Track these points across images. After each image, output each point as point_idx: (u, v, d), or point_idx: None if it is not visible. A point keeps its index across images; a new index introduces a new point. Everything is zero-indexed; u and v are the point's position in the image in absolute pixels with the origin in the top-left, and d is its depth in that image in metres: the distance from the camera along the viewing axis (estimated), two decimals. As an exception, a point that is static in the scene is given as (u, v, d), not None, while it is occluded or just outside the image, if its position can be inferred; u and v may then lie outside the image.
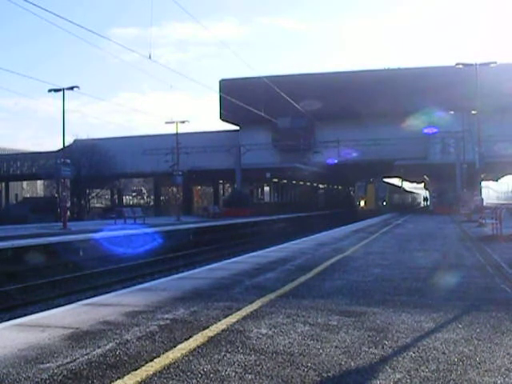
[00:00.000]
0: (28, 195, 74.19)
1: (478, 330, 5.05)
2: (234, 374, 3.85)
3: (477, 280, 8.28)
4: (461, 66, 31.80)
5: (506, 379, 3.69)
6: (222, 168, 48.88)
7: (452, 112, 42.54)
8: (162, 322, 5.43)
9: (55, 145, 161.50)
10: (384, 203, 54.03)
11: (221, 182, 61.98)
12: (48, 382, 3.71)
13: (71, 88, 28.61)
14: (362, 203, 53.79)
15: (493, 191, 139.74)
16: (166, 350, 4.42)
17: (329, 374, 3.82)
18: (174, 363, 4.09)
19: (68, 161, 28.68)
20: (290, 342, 4.67)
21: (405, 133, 45.73)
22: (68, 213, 35.74)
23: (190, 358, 4.23)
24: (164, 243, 22.27)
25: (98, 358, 4.22)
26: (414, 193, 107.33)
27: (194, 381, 3.72)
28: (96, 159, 51.70)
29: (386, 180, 64.47)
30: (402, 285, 7.85)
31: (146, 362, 4.11)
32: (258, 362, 4.11)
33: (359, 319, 5.55)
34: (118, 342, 4.69)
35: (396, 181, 77.66)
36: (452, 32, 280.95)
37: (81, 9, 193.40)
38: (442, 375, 3.78)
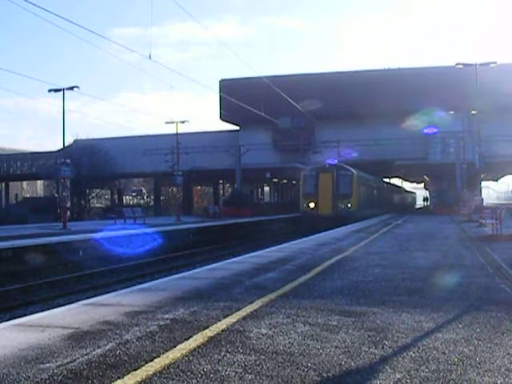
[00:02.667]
0: (28, 195, 74.24)
1: (478, 330, 5.05)
2: (233, 374, 3.85)
3: (477, 280, 8.28)
4: (461, 66, 31.85)
5: (506, 379, 3.69)
6: (222, 168, 48.90)
7: (452, 112, 42.55)
8: (161, 322, 5.43)
9: (55, 145, 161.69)
10: (349, 205, 32.67)
11: (221, 182, 61.99)
12: (48, 381, 3.70)
13: (71, 88, 28.66)
14: (312, 205, 32.88)
15: (493, 191, 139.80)
16: (166, 350, 4.42)
17: (329, 374, 3.82)
18: (174, 363, 4.09)
19: (68, 161, 28.71)
20: (290, 342, 4.67)
21: (405, 133, 45.76)
22: (68, 213, 35.77)
23: (190, 357, 4.23)
24: (164, 243, 22.27)
25: (98, 358, 4.22)
26: (408, 191, 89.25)
27: (194, 381, 3.72)
28: (96, 159, 51.74)
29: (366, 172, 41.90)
30: (402, 285, 7.85)
31: (146, 362, 4.10)
32: (257, 362, 4.11)
33: (359, 319, 5.55)
34: (118, 341, 4.69)
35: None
36: (452, 32, 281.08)
37: (81, 9, 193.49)
38: (442, 375, 3.78)
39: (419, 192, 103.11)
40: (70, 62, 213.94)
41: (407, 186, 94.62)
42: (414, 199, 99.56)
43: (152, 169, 52.42)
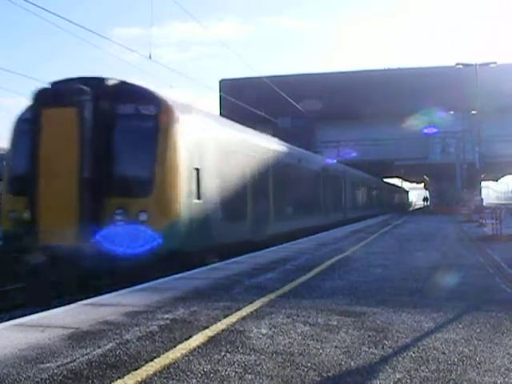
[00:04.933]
0: (28, 195, 74.06)
1: (478, 330, 5.05)
2: (234, 374, 3.85)
3: (477, 280, 8.29)
4: (461, 66, 31.84)
5: (506, 379, 3.69)
6: (222, 168, 48.65)
7: (452, 112, 42.52)
8: (161, 322, 5.43)
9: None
10: (146, 217, 9.17)
11: (221, 181, 61.82)
12: (48, 381, 3.70)
13: (71, 88, 28.59)
14: (25, 216, 9.46)
15: (493, 191, 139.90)
16: (166, 350, 4.42)
17: (329, 374, 3.82)
18: (174, 363, 4.09)
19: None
20: (290, 342, 4.66)
21: (405, 133, 45.69)
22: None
23: (190, 358, 4.23)
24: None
25: (98, 358, 4.22)
26: (397, 189, 71.61)
27: (194, 381, 3.72)
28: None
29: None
30: (402, 285, 7.85)
31: (146, 362, 4.10)
32: (257, 362, 4.10)
33: (359, 319, 5.55)
34: (118, 342, 4.69)
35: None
36: (452, 32, 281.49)
37: (81, 9, 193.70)
38: (442, 375, 3.78)
39: (419, 192, 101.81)
40: (70, 62, 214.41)
41: (407, 186, 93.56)
42: (407, 199, 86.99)
43: (152, 169, 52.31)
